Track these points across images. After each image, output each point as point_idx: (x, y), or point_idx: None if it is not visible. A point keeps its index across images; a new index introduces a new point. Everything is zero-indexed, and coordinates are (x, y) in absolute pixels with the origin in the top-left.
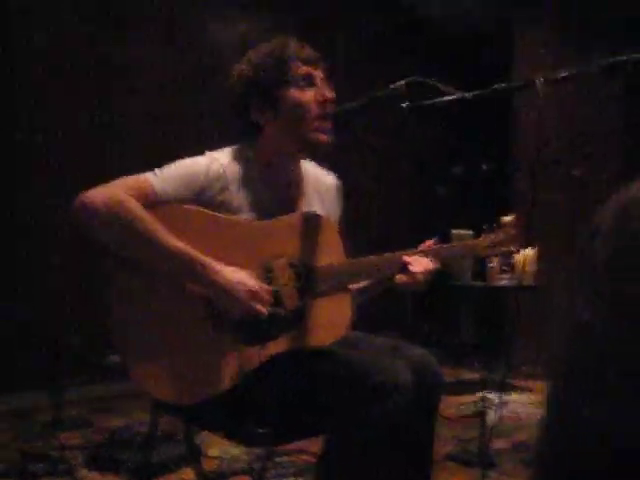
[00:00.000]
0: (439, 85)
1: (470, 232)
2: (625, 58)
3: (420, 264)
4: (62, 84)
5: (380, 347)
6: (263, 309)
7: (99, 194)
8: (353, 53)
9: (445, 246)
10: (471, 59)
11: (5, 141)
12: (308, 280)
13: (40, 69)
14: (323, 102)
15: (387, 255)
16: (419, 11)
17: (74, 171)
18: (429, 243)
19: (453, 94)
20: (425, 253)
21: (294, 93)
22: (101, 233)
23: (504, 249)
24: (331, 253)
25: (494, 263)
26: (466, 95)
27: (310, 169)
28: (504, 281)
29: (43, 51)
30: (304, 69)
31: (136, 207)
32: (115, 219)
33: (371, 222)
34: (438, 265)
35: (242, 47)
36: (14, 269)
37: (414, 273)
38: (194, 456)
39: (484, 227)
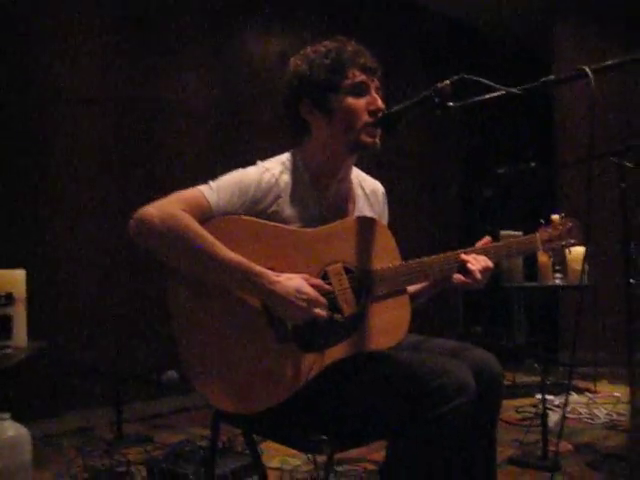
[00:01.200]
0: (485, 82)
1: (519, 233)
2: None
3: (479, 262)
4: (106, 114)
5: (441, 349)
6: (321, 313)
7: (155, 210)
8: (393, 64)
9: (503, 243)
10: (511, 63)
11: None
12: (365, 284)
13: (82, 103)
14: (374, 111)
15: (445, 254)
16: (454, 18)
17: (127, 190)
18: (486, 241)
19: (500, 90)
20: (484, 251)
21: (347, 100)
22: (157, 248)
23: (563, 243)
24: (386, 256)
25: (546, 262)
26: (513, 90)
27: (358, 176)
28: (557, 280)
29: (82, 86)
30: (360, 77)
31: (190, 221)
32: (170, 234)
33: (417, 226)
34: (494, 263)
35: (283, 66)
36: (72, 293)
37: (473, 272)
38: (258, 464)
39: (541, 222)
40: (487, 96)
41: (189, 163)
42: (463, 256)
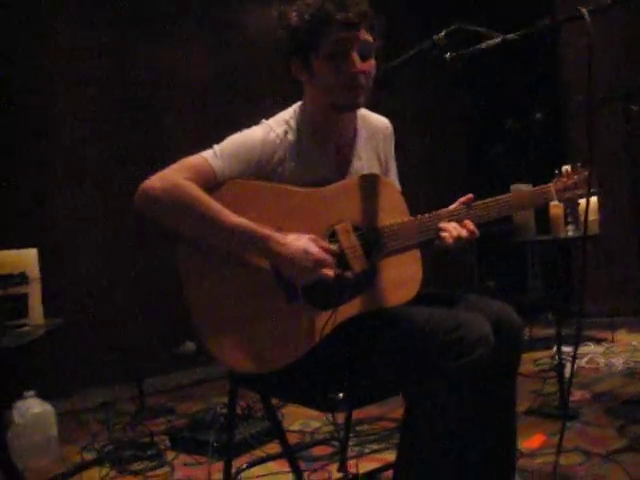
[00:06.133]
0: (481, 30)
1: (530, 185)
2: None
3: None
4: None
5: (457, 302)
6: (329, 273)
7: (157, 180)
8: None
9: (514, 195)
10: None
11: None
12: (375, 240)
13: (77, 73)
14: (354, 74)
15: (455, 208)
16: None
17: (130, 163)
18: (468, 197)
19: (496, 38)
20: (497, 203)
21: (324, 65)
22: (163, 218)
23: (580, 192)
24: (395, 213)
25: (558, 214)
26: (509, 36)
27: (361, 115)
28: (570, 232)
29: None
30: (340, 35)
31: (193, 190)
32: (174, 204)
33: (425, 185)
34: (471, 233)
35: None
36: (83, 271)
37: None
38: (278, 426)
39: (555, 172)
40: (483, 44)
41: (189, 134)
42: (441, 224)
